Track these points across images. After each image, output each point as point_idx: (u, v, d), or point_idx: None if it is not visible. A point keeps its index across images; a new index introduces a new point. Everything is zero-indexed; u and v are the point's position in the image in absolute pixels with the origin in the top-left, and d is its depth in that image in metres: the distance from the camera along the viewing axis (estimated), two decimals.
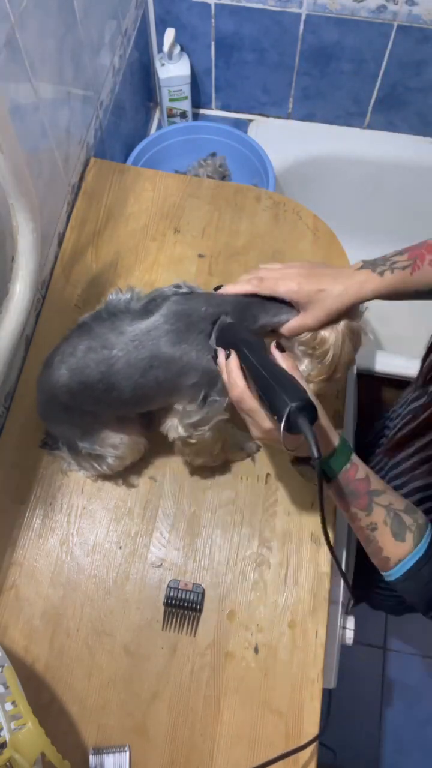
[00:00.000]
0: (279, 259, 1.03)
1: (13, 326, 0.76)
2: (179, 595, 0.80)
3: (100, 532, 0.84)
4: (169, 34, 1.39)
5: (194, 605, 0.79)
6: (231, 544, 0.83)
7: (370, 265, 0.71)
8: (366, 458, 1.01)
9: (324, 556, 0.82)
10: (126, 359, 0.68)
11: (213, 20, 1.40)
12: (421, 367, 0.75)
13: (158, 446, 0.82)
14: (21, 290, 0.75)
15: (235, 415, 0.79)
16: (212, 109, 1.66)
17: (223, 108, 1.65)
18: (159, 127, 1.64)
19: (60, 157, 1.00)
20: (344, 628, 0.89)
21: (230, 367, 0.65)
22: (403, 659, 1.70)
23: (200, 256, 1.04)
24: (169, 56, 1.43)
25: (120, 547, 0.83)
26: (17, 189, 0.68)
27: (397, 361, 1.31)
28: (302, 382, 0.61)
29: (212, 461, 0.83)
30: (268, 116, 1.64)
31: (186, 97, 1.51)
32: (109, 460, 0.80)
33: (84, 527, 0.84)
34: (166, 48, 1.41)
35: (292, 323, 0.71)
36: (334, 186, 1.64)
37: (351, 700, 1.62)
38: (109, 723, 0.75)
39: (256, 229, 1.07)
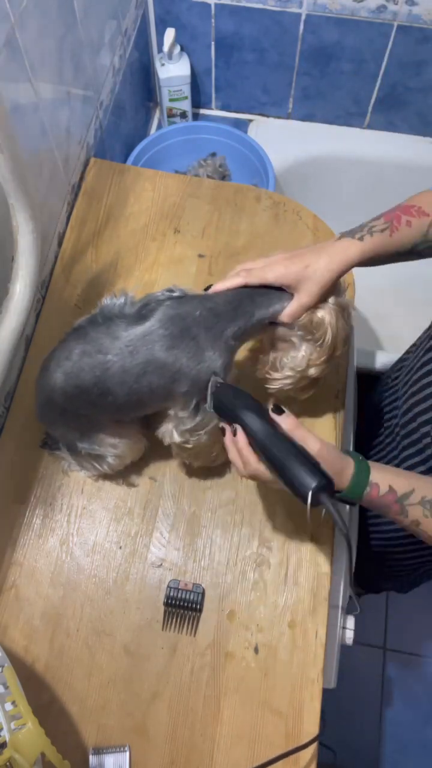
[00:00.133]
0: None
1: (13, 326, 0.76)
2: (179, 595, 0.80)
3: (100, 532, 0.84)
4: (169, 34, 1.39)
5: (194, 605, 0.79)
6: (231, 544, 0.83)
7: (348, 233, 0.72)
8: (375, 431, 1.02)
9: (324, 556, 0.82)
10: (121, 364, 0.68)
11: (213, 20, 1.40)
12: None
13: (158, 446, 0.82)
14: (21, 290, 0.75)
15: None
16: (212, 109, 1.66)
17: (223, 108, 1.65)
18: (159, 127, 1.64)
19: (60, 157, 1.00)
20: (344, 628, 0.89)
21: (240, 446, 0.65)
22: (403, 659, 1.70)
23: (200, 256, 1.04)
24: (169, 56, 1.43)
25: (120, 547, 0.83)
26: (17, 189, 0.68)
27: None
28: (310, 437, 0.62)
29: (211, 462, 0.83)
30: (268, 116, 1.64)
31: (186, 97, 1.51)
32: (110, 460, 0.80)
33: (84, 527, 0.84)
34: (166, 48, 1.41)
35: (290, 308, 0.71)
36: (334, 186, 1.64)
37: (351, 700, 1.62)
38: (109, 723, 0.75)
39: (256, 229, 1.07)
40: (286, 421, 0.63)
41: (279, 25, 1.37)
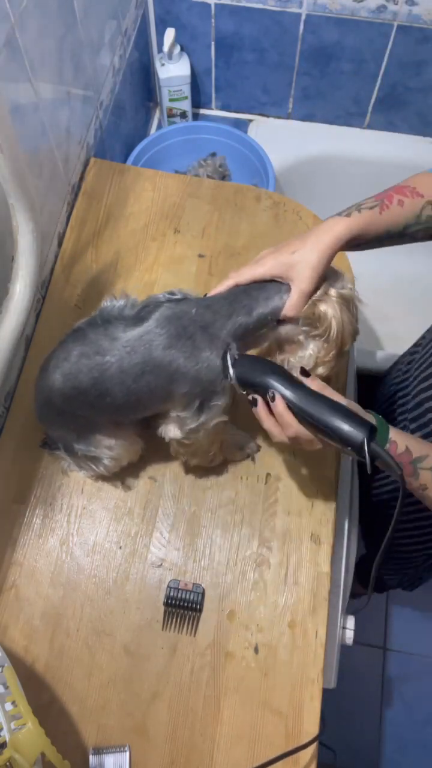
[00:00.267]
0: None
1: (13, 326, 0.76)
2: (179, 595, 0.80)
3: (100, 532, 0.84)
4: (169, 34, 1.39)
5: (194, 605, 0.79)
6: (231, 544, 0.83)
7: (335, 214, 0.71)
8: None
9: (324, 555, 0.82)
10: (119, 365, 0.68)
11: (213, 20, 1.40)
12: None
13: (158, 446, 0.82)
14: (21, 290, 0.75)
15: (236, 415, 0.79)
16: (212, 109, 1.66)
17: (223, 108, 1.65)
18: (159, 127, 1.64)
19: (60, 157, 1.00)
20: (344, 628, 0.89)
21: (279, 410, 0.66)
22: (403, 659, 1.70)
23: (200, 256, 1.04)
24: (169, 56, 1.43)
25: (120, 547, 0.83)
26: (17, 189, 0.68)
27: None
28: (336, 395, 0.64)
29: (209, 462, 0.83)
30: (268, 116, 1.64)
31: (186, 97, 1.51)
32: (105, 462, 0.80)
33: (84, 527, 0.84)
34: (166, 48, 1.41)
35: (291, 299, 0.69)
36: (334, 186, 1.64)
37: (351, 700, 1.62)
38: (109, 723, 0.75)
39: (256, 229, 1.07)
40: (314, 383, 0.65)
41: (279, 25, 1.37)
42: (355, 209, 0.70)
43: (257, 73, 1.51)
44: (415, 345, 1.04)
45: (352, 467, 0.99)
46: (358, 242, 0.71)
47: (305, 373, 0.66)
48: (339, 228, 0.69)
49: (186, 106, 1.53)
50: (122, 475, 0.86)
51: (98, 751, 0.73)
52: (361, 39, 1.37)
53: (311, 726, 0.74)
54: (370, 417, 0.66)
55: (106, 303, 0.74)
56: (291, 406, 0.65)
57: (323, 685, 0.76)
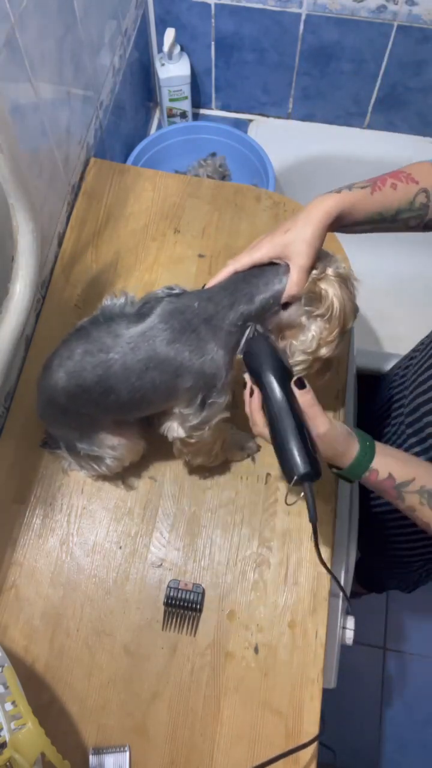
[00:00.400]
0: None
1: (13, 326, 0.76)
2: (179, 595, 0.80)
3: (100, 532, 0.84)
4: (169, 34, 1.39)
5: (194, 605, 0.79)
6: (231, 544, 0.83)
7: (326, 192, 0.71)
8: (379, 429, 1.02)
9: (324, 556, 0.82)
10: (122, 362, 0.68)
11: (213, 20, 1.40)
12: None
13: (159, 446, 0.82)
14: (21, 290, 0.75)
15: (236, 415, 0.79)
16: (212, 109, 1.66)
17: (223, 108, 1.65)
18: (159, 127, 1.64)
19: (60, 157, 1.00)
20: (344, 628, 0.89)
21: (253, 406, 0.67)
22: (403, 659, 1.70)
23: (200, 256, 1.04)
24: (169, 56, 1.43)
25: (120, 547, 0.83)
26: (17, 189, 0.68)
27: (397, 361, 1.30)
28: (320, 417, 0.64)
29: (211, 461, 0.83)
30: (268, 116, 1.64)
31: (186, 97, 1.51)
32: (108, 461, 0.80)
33: (84, 527, 0.84)
34: (166, 48, 1.41)
35: (292, 277, 0.69)
36: (334, 186, 1.63)
37: (351, 700, 1.62)
38: (109, 723, 0.75)
39: (256, 229, 1.07)
40: (304, 397, 0.65)
41: (279, 25, 1.37)
42: (346, 188, 0.70)
43: (257, 73, 1.51)
44: (414, 350, 1.04)
45: None
46: (349, 221, 0.70)
47: (301, 384, 0.65)
48: (329, 203, 0.69)
49: (186, 106, 1.53)
50: (123, 474, 0.86)
51: (98, 751, 0.73)
52: (361, 39, 1.37)
53: (311, 726, 0.74)
54: (353, 441, 0.66)
55: (106, 302, 0.74)
56: (266, 407, 0.65)
57: (323, 685, 0.76)
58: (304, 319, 0.72)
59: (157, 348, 0.68)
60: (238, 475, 0.87)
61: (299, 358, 0.74)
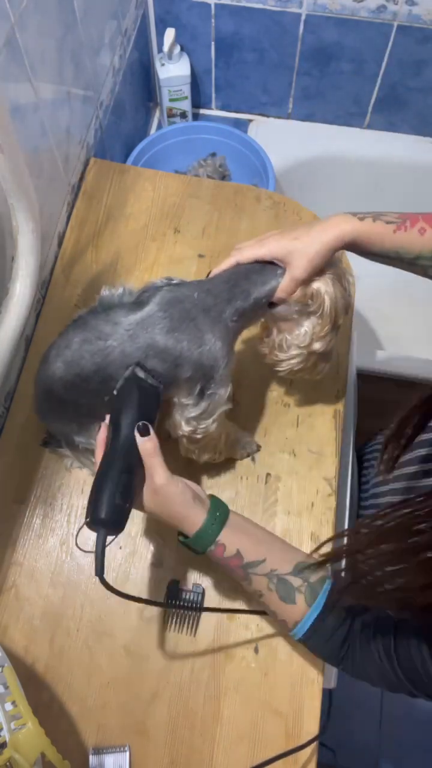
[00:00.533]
0: None
1: (13, 326, 0.76)
2: (179, 595, 0.80)
3: None
4: (169, 34, 1.39)
5: (194, 605, 0.79)
6: None
7: (352, 213, 0.70)
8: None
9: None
10: (121, 349, 0.68)
11: (213, 20, 1.40)
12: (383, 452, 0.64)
13: (159, 446, 0.82)
14: (21, 290, 0.75)
15: (235, 416, 0.79)
16: (212, 109, 1.66)
17: (223, 108, 1.65)
18: (159, 127, 1.64)
19: (60, 157, 1.00)
20: None
21: (98, 439, 0.65)
22: None
23: (200, 256, 1.04)
24: (169, 56, 1.43)
25: (120, 547, 0.83)
26: (17, 189, 0.68)
27: (397, 361, 1.31)
28: (159, 469, 0.62)
29: (217, 457, 0.83)
30: (268, 116, 1.64)
31: (186, 97, 1.51)
32: None
33: (84, 527, 0.84)
34: (166, 48, 1.41)
35: (283, 282, 0.71)
36: (334, 186, 1.64)
37: (351, 700, 1.62)
38: (109, 723, 0.75)
39: (256, 229, 1.07)
40: (144, 445, 0.62)
41: (279, 25, 1.37)
42: (372, 217, 0.69)
43: (257, 73, 1.51)
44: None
45: (353, 468, 0.99)
46: (362, 250, 0.70)
47: (145, 430, 0.62)
48: (346, 227, 0.68)
49: (186, 106, 1.53)
50: None
51: (98, 751, 0.73)
52: (361, 39, 1.37)
53: (311, 726, 0.74)
54: (198, 510, 0.63)
55: (104, 292, 0.74)
56: (107, 441, 0.64)
57: (323, 685, 0.76)
58: (297, 315, 0.73)
59: (156, 337, 0.68)
60: (238, 476, 0.87)
61: (293, 352, 0.75)
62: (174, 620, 0.79)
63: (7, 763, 0.57)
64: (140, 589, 0.81)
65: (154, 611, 0.80)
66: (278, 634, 0.78)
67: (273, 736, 0.74)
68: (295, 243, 0.69)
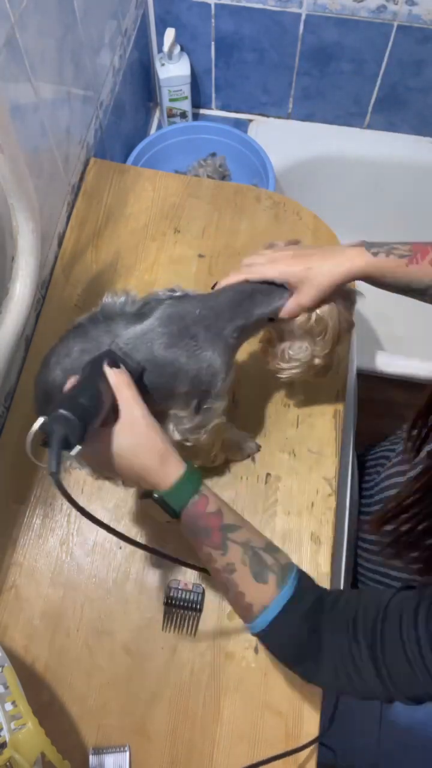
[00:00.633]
0: None
1: (13, 326, 0.76)
2: (179, 595, 0.80)
3: (100, 532, 0.84)
4: (169, 34, 1.39)
5: (194, 605, 0.79)
6: None
7: (368, 245, 0.70)
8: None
9: (324, 556, 0.82)
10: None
11: (213, 20, 1.40)
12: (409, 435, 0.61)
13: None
14: (21, 290, 0.75)
15: (235, 416, 0.79)
16: (212, 109, 1.65)
17: (223, 108, 1.65)
18: (159, 127, 1.64)
19: (60, 157, 1.00)
20: None
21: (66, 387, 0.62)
22: None
23: (200, 256, 1.04)
24: (169, 56, 1.43)
25: (120, 547, 0.83)
26: (17, 189, 0.68)
27: (397, 361, 1.31)
28: (135, 402, 0.58)
29: (210, 463, 0.83)
30: (268, 116, 1.64)
31: (186, 97, 1.51)
32: None
33: (84, 527, 0.84)
34: (166, 48, 1.41)
35: (288, 305, 0.71)
36: (334, 186, 1.64)
37: (351, 700, 1.62)
38: (109, 723, 0.75)
39: (256, 229, 1.07)
40: (118, 376, 0.60)
41: (279, 25, 1.37)
42: (385, 251, 0.69)
43: (257, 73, 1.51)
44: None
45: (353, 468, 0.99)
46: (375, 283, 0.71)
47: (115, 364, 0.61)
48: (358, 264, 0.69)
49: (186, 106, 1.53)
50: None
51: (98, 751, 0.73)
52: (361, 39, 1.37)
53: (311, 726, 0.74)
54: (173, 453, 0.59)
55: (107, 299, 0.74)
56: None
57: None
58: (298, 333, 0.74)
59: (155, 351, 0.68)
60: (238, 476, 0.87)
61: (295, 363, 0.75)
62: (174, 620, 0.79)
63: (7, 763, 0.57)
64: (140, 589, 0.81)
65: (154, 611, 0.80)
66: None
67: (273, 737, 0.74)
68: (307, 273, 0.69)
